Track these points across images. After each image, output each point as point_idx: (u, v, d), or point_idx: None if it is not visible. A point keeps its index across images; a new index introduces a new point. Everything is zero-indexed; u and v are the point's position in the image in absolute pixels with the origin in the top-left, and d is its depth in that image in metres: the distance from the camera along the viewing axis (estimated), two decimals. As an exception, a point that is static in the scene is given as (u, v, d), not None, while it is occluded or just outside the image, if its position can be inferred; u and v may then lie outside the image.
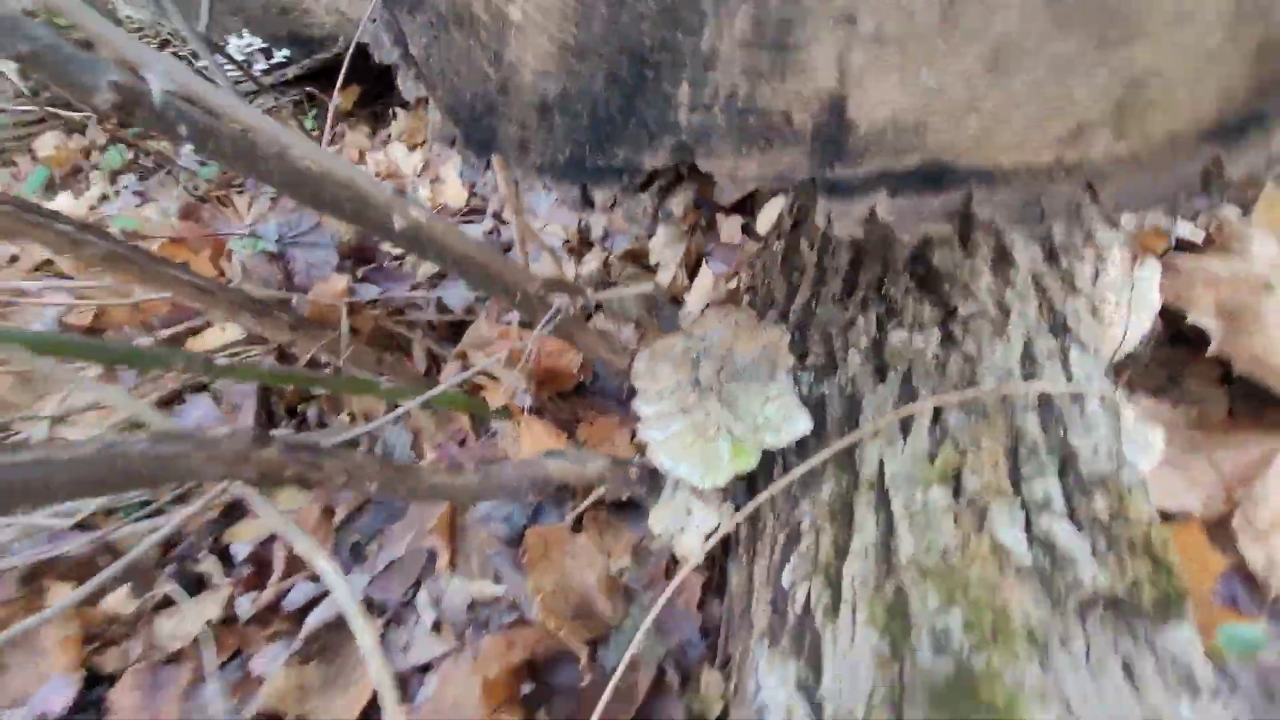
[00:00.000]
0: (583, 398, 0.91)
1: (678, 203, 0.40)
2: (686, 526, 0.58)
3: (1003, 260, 0.56)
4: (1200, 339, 0.74)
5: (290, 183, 0.40)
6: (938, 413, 0.46)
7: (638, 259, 1.04)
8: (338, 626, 0.74)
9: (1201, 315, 0.67)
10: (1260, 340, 0.64)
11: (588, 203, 0.42)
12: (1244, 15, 0.24)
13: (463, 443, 0.90)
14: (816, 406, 0.52)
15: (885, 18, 0.28)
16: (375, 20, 0.42)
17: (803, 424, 0.50)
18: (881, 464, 0.45)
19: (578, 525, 0.74)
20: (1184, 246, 0.75)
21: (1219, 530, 0.56)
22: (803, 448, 0.51)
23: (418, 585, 0.76)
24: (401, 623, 0.74)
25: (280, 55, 1.53)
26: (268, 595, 0.74)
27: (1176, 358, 0.74)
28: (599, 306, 0.94)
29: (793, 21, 0.30)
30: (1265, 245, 0.70)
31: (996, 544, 0.37)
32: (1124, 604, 0.34)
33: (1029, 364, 0.47)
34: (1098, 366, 0.47)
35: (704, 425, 0.54)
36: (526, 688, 0.62)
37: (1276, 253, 0.69)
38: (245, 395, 0.98)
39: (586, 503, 0.71)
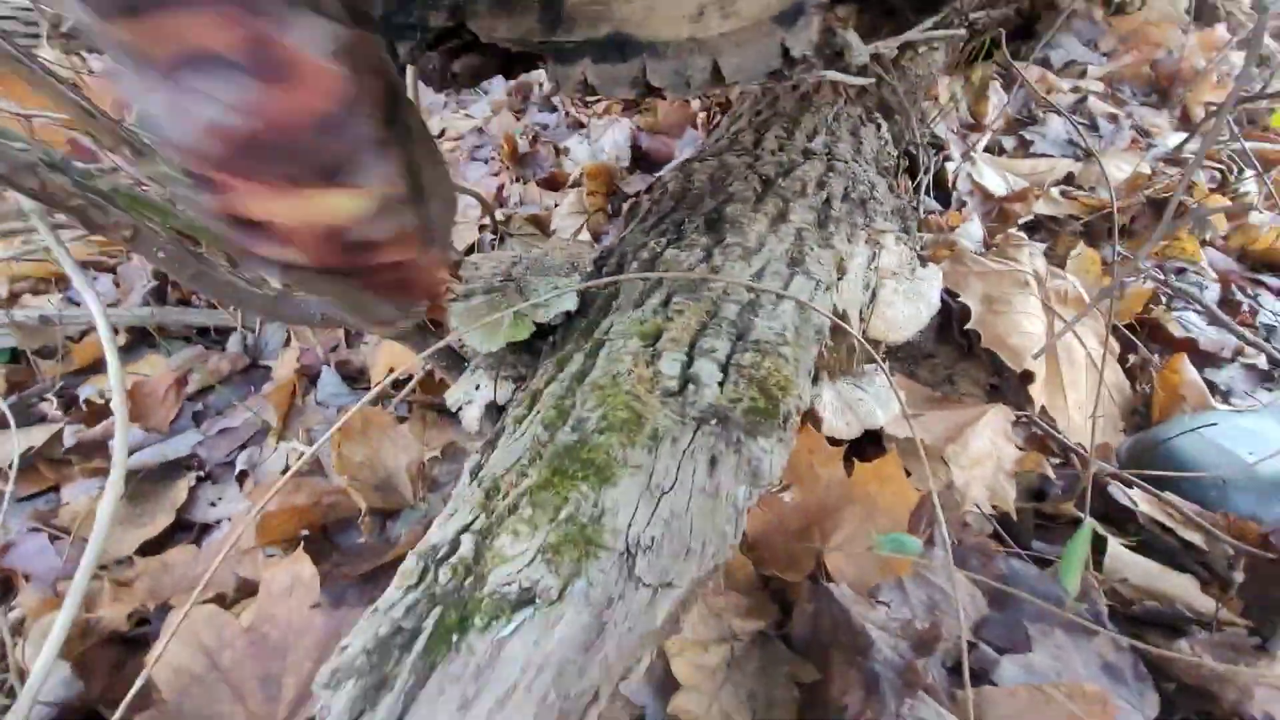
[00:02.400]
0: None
1: (461, 65, 0.49)
2: (473, 399, 0.65)
3: (780, 218, 0.66)
4: (969, 349, 0.85)
5: None
6: (669, 299, 0.54)
7: (539, 224, 1.13)
8: (156, 476, 0.78)
9: (969, 297, 0.78)
10: (1004, 322, 0.74)
11: (393, 54, 0.51)
12: (775, -79, 0.34)
13: (334, 349, 0.96)
14: (593, 299, 0.60)
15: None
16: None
17: (569, 302, 0.57)
18: (610, 327, 0.52)
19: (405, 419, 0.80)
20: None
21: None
22: (572, 329, 0.59)
23: (244, 450, 0.80)
24: (216, 481, 0.78)
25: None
26: (94, 433, 0.78)
27: (954, 361, 0.84)
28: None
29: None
30: (1035, 259, 0.81)
31: (656, 371, 0.45)
32: (730, 420, 0.42)
33: (756, 278, 0.56)
34: (812, 288, 0.56)
35: (498, 303, 0.62)
36: (304, 532, 0.66)
37: (1042, 269, 0.80)
38: (140, 279, 1.03)
39: (410, 385, 0.77)
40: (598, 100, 1.27)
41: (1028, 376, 0.72)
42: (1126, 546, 0.61)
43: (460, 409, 0.66)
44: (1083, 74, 1.59)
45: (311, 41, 0.28)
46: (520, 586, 0.32)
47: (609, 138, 1.40)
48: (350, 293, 0.40)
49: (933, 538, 0.59)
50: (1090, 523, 0.44)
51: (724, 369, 0.46)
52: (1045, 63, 1.63)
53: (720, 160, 0.80)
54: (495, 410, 0.67)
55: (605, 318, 0.55)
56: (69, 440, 0.77)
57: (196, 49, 0.28)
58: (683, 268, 0.58)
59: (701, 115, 1.48)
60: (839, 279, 0.63)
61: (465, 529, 0.37)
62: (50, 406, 0.84)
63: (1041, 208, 1.11)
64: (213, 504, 0.76)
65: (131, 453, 0.77)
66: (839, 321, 0.56)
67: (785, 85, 1.05)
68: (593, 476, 0.37)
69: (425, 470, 0.76)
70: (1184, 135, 1.33)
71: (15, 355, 0.92)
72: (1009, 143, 1.40)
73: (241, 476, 0.76)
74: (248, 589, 0.63)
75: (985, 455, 0.71)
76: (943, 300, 0.78)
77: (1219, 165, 1.21)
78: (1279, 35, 1.80)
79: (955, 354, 0.87)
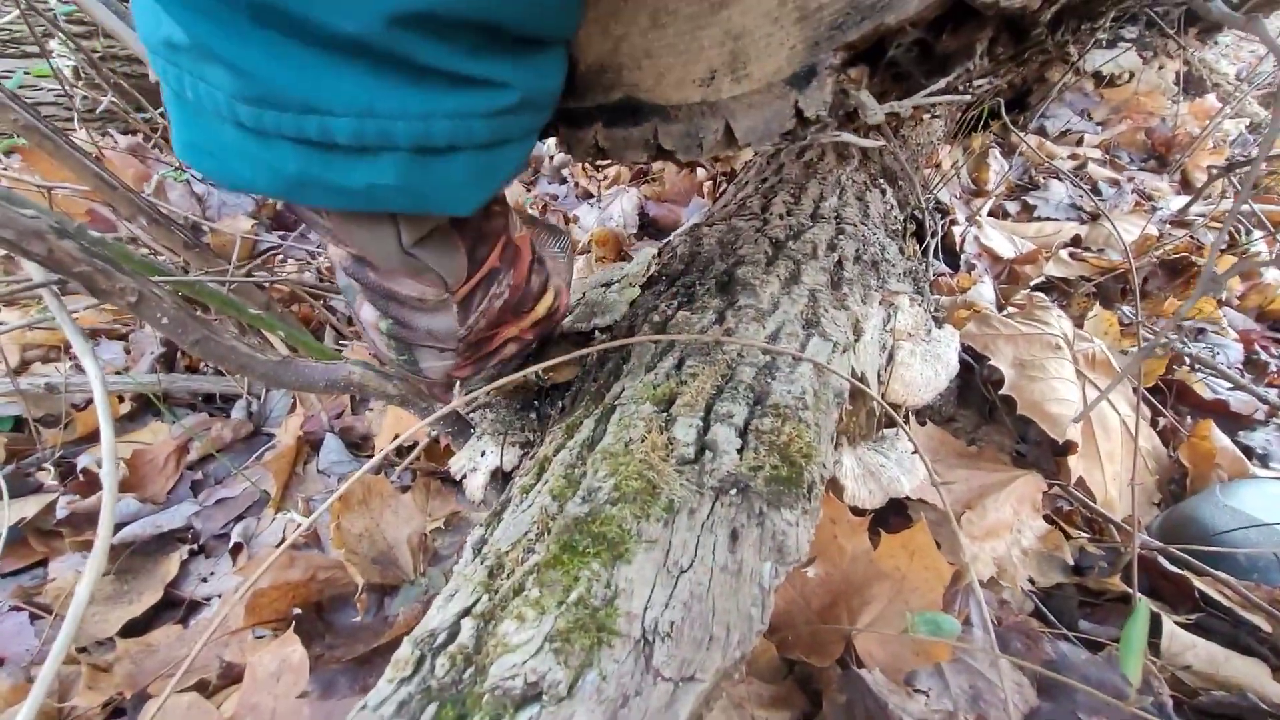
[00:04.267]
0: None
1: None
2: (478, 466, 0.62)
3: (793, 280, 0.65)
4: (991, 413, 0.82)
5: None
6: (682, 362, 0.52)
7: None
8: (148, 549, 0.75)
9: (1000, 361, 0.75)
10: (1040, 388, 0.71)
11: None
12: (787, -11, 0.34)
13: (339, 416, 0.95)
14: (603, 362, 0.59)
15: (585, -20, 0.39)
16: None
17: (567, 372, 0.56)
18: (621, 391, 0.50)
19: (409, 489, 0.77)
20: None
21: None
22: (581, 393, 0.57)
23: (240, 521, 0.77)
24: (210, 554, 0.75)
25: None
26: (88, 504, 0.75)
27: (976, 425, 0.82)
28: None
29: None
30: (1062, 322, 0.80)
31: (671, 438, 0.43)
32: (751, 489, 0.39)
33: (772, 340, 0.55)
34: (829, 351, 0.54)
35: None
36: (296, 610, 0.62)
37: (1069, 331, 0.78)
38: (150, 346, 1.03)
39: (415, 452, 0.74)
40: (609, 164, 1.30)
41: (1070, 447, 0.68)
42: (1182, 627, 0.56)
43: (464, 476, 0.64)
44: (1079, 141, 1.63)
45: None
46: (525, 680, 0.29)
47: (617, 206, 1.43)
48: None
49: (969, 618, 0.55)
50: (1146, 603, 0.41)
51: (742, 435, 0.43)
52: (1041, 131, 1.68)
53: (729, 224, 0.80)
54: (501, 478, 0.64)
55: (616, 382, 0.53)
56: (61, 511, 0.75)
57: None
58: (695, 330, 0.57)
59: (707, 184, 1.52)
60: (855, 341, 0.61)
61: (466, 612, 0.34)
62: (47, 476, 0.82)
63: (1052, 269, 1.11)
64: (204, 579, 0.72)
65: (124, 525, 0.74)
66: (858, 384, 0.55)
67: (790, 153, 1.07)
68: (605, 553, 0.35)
69: (427, 542, 0.72)
70: (1186, 199, 1.34)
71: (19, 423, 0.91)
72: (1012, 207, 1.42)
73: (236, 549, 0.73)
74: (233, 674, 0.59)
75: (1001, 526, 0.67)
76: (961, 362, 0.76)
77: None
78: (1267, 103, 1.86)
79: (977, 418, 0.84)
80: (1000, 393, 0.74)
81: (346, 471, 0.81)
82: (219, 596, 0.69)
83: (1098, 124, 1.72)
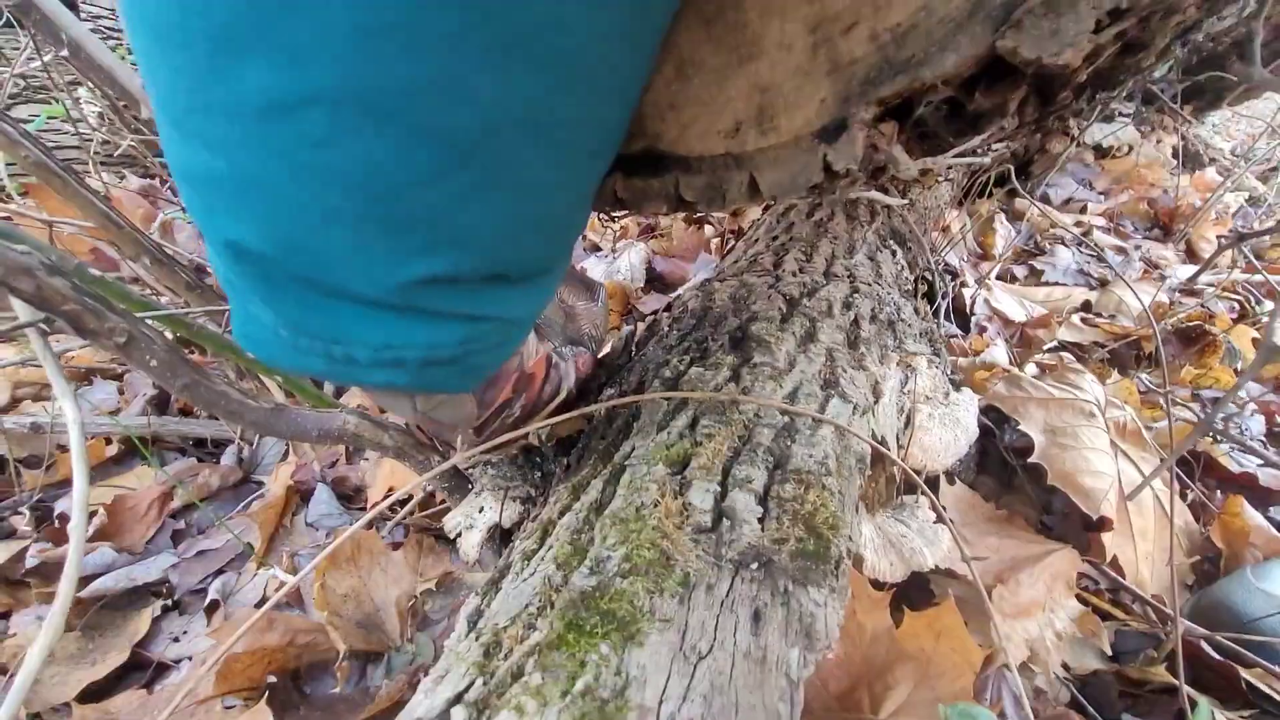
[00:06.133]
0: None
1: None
2: (475, 524, 0.59)
3: (809, 338, 0.63)
4: (1011, 482, 0.79)
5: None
6: (696, 421, 0.50)
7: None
8: (119, 604, 0.70)
9: (1030, 427, 0.72)
10: (1072, 458, 0.68)
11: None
12: (818, 43, 0.33)
13: (333, 465, 0.91)
14: (612, 418, 0.56)
15: (610, 30, 0.38)
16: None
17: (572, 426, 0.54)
18: (631, 450, 0.48)
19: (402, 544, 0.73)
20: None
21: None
22: (589, 450, 0.54)
23: (220, 575, 0.73)
24: (185, 610, 0.70)
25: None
26: (60, 553, 0.71)
27: (996, 494, 0.78)
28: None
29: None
30: (1094, 387, 0.77)
31: (686, 503, 0.40)
32: (775, 564, 0.36)
33: (790, 400, 0.52)
34: (849, 412, 0.52)
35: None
36: (271, 678, 0.58)
37: (1102, 397, 0.76)
38: (144, 387, 1.01)
39: (410, 506, 0.70)
40: (626, 215, 1.31)
41: (1105, 523, 0.64)
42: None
43: (459, 534, 0.60)
44: (1083, 210, 1.65)
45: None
46: (523, 787, 0.25)
47: (625, 260, 1.43)
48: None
49: (1004, 709, 0.50)
50: (1208, 705, 0.37)
51: (763, 502, 0.40)
52: (1045, 200, 1.70)
53: (741, 280, 0.79)
54: (500, 536, 0.61)
55: (626, 440, 0.50)
56: (31, 560, 0.71)
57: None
58: (709, 387, 0.54)
59: (715, 240, 1.53)
60: (875, 403, 0.59)
61: (457, 699, 0.30)
62: (22, 520, 0.78)
63: (1065, 334, 1.09)
64: (176, 639, 0.67)
65: (95, 576, 0.70)
66: (880, 448, 0.52)
67: (800, 212, 1.07)
68: (615, 633, 0.31)
69: (417, 605, 0.68)
70: (1193, 267, 1.34)
71: (1, 464, 0.88)
72: (1020, 272, 1.42)
73: (212, 607, 0.68)
74: (197, 750, 0.54)
75: (1034, 605, 0.62)
76: (980, 427, 0.74)
77: (1237, 296, 1.21)
78: (1265, 178, 1.90)
79: (998, 486, 0.81)
80: (1029, 460, 0.71)
81: (336, 525, 0.77)
82: (189, 659, 0.65)
83: (1100, 193, 1.75)
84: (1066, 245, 1.45)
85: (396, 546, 0.72)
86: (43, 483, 0.83)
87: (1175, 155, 1.85)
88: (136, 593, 0.71)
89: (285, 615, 0.62)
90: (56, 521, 0.76)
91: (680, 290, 1.04)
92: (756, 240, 1.04)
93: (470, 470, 0.63)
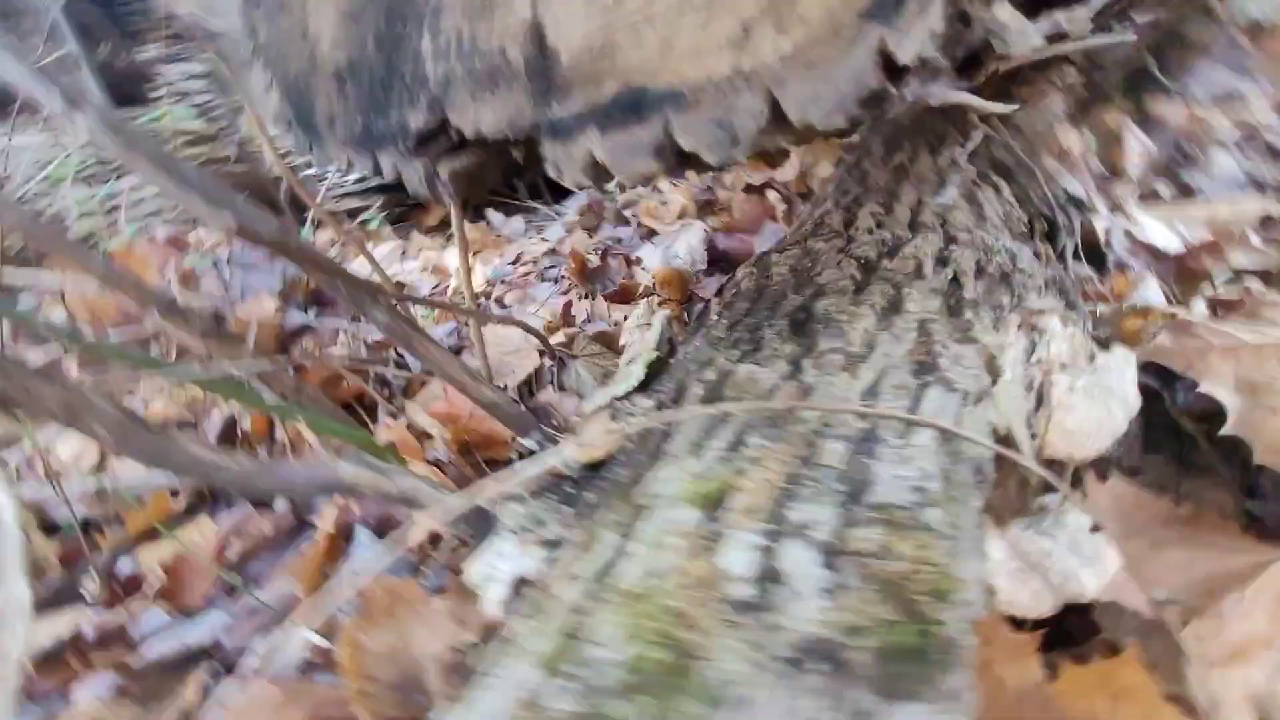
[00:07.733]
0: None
1: (451, 168, 0.39)
2: (495, 574, 0.50)
3: (893, 310, 0.49)
4: (1193, 460, 0.60)
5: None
6: (741, 440, 0.37)
7: (607, 340, 1.02)
8: (175, 667, 0.68)
9: (1216, 386, 0.53)
10: None
11: (378, 171, 0.42)
12: None
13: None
14: (641, 439, 0.45)
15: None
16: (241, 20, 0.47)
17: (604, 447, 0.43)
18: (657, 484, 0.36)
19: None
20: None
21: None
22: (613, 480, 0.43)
23: (269, 633, 0.69)
24: (236, 672, 0.66)
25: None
26: (115, 618, 0.70)
27: (1174, 479, 0.59)
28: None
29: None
30: None
31: (715, 569, 0.28)
32: (847, 666, 0.23)
33: (870, 398, 0.39)
34: (956, 404, 0.38)
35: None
36: (299, 761, 0.52)
37: None
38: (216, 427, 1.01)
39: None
40: (613, 184, 1.19)
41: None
42: None
43: (484, 587, 0.51)
44: (1242, 106, 1.33)
45: None
46: None
47: (682, 242, 1.31)
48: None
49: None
50: None
51: (829, 560, 0.28)
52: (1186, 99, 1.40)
53: (804, 248, 0.65)
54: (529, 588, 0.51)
55: (652, 467, 0.39)
56: (87, 628, 0.70)
57: None
58: (760, 390, 0.42)
59: (782, 208, 1.37)
60: (992, 384, 0.44)
61: None
62: (93, 584, 0.78)
63: (1241, 259, 0.86)
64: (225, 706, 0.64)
65: (150, 640, 0.68)
66: (1004, 451, 0.37)
67: (874, 159, 0.91)
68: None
69: (461, 660, 0.60)
70: None
71: (85, 525, 0.90)
72: (1164, 191, 1.15)
73: (247, 675, 0.64)
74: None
75: (1254, 644, 0.44)
76: (1143, 391, 0.56)
77: None
78: None
79: (1174, 469, 0.62)
80: (1223, 431, 0.52)
81: (378, 572, 0.71)
82: (237, 728, 0.60)
83: (1264, 81, 1.41)
84: (1226, 148, 1.16)
85: (439, 592, 0.65)
86: (114, 542, 0.83)
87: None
88: (191, 657, 0.68)
89: (311, 688, 0.56)
90: (114, 584, 0.76)
91: (736, 271, 0.91)
92: (824, 199, 0.89)
93: (495, 509, 0.54)
